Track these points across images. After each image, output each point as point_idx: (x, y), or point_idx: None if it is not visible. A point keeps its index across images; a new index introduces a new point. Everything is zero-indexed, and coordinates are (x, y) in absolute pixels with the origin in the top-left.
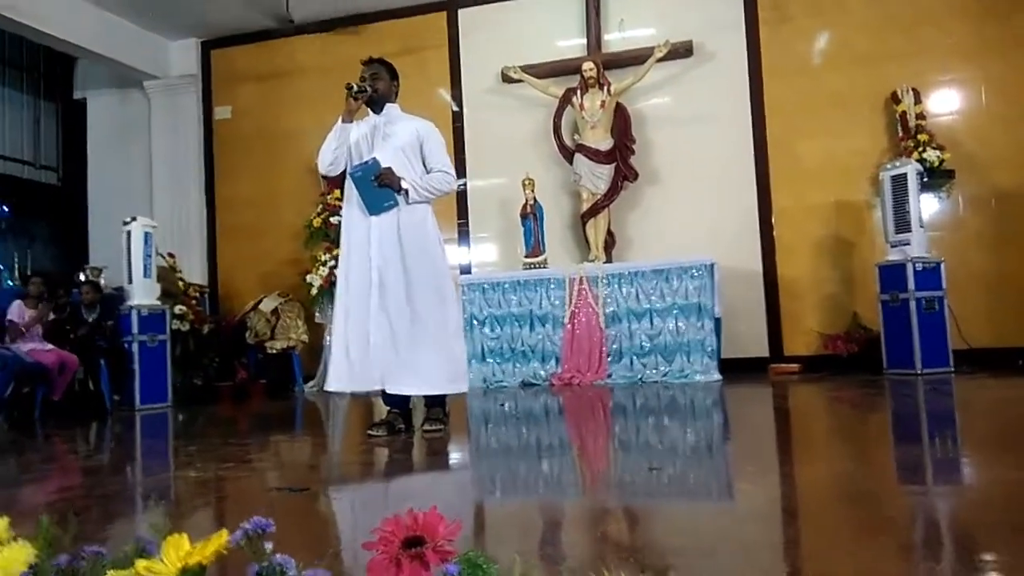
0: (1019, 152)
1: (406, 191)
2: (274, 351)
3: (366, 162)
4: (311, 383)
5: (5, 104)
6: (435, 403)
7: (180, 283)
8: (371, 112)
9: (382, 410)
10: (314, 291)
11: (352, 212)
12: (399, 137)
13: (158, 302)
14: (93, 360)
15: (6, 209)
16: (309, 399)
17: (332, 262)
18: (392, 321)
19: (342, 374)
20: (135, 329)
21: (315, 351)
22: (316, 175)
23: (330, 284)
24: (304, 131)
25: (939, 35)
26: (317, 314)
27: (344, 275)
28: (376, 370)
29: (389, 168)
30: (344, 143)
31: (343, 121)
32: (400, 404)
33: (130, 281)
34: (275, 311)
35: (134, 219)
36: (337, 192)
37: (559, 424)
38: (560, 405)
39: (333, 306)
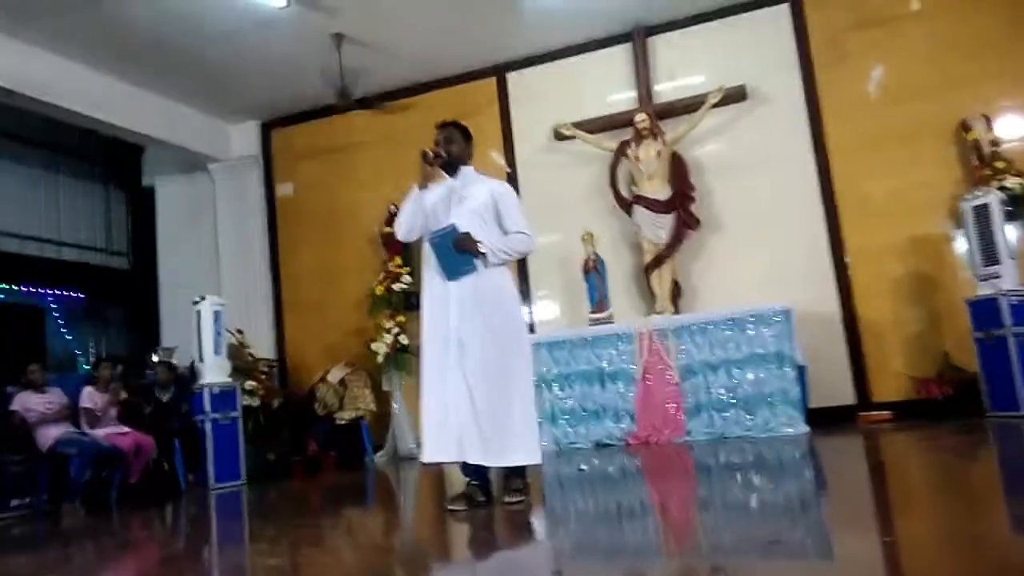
0: None
1: (484, 255)
2: (343, 422)
3: (444, 229)
4: (380, 453)
5: (77, 195)
6: (515, 472)
7: (250, 358)
8: (447, 175)
9: (455, 479)
10: (380, 359)
11: (431, 277)
12: (475, 199)
13: (229, 379)
14: (167, 440)
15: (81, 296)
16: (380, 469)
17: (396, 329)
18: (472, 388)
19: (429, 444)
20: (207, 407)
21: (383, 420)
22: (376, 245)
23: (396, 351)
24: (363, 203)
25: (1002, 59)
26: (384, 382)
27: (424, 341)
28: (455, 440)
29: (467, 233)
30: (420, 210)
31: (419, 188)
32: (479, 474)
33: (201, 359)
34: (342, 381)
35: (203, 298)
36: (399, 260)
37: (641, 487)
38: (639, 466)
39: (401, 374)
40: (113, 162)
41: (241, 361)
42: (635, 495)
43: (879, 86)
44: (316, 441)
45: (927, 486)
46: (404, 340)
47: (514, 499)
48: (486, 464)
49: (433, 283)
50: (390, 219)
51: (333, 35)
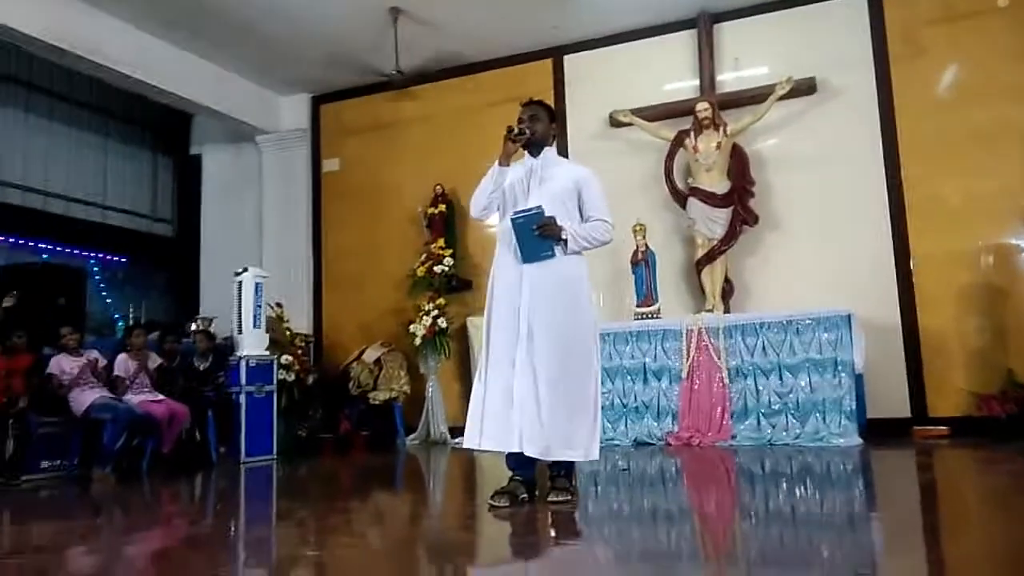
0: None
1: (565, 241)
2: (377, 402)
3: (530, 209)
4: (412, 436)
5: (125, 160)
6: (562, 471)
7: (287, 333)
8: (528, 155)
9: (488, 466)
10: (417, 341)
11: (506, 258)
12: (557, 182)
13: (267, 352)
14: (201, 410)
15: (124, 260)
16: (411, 452)
17: (436, 311)
18: (538, 378)
19: (483, 431)
20: (243, 380)
21: (417, 402)
22: (419, 225)
23: (434, 334)
24: (408, 181)
25: None
26: (420, 365)
27: (489, 323)
28: (516, 430)
29: (553, 217)
30: (500, 187)
31: (500, 165)
32: (526, 469)
33: (240, 331)
34: (378, 361)
35: (246, 269)
36: (441, 241)
37: (683, 492)
38: (680, 468)
39: (438, 357)
40: (162, 129)
41: (278, 335)
42: (676, 500)
43: (954, 85)
44: (348, 420)
45: (982, 508)
46: (443, 323)
47: (561, 498)
48: (545, 458)
49: (507, 264)
50: (435, 199)
51: (390, 8)
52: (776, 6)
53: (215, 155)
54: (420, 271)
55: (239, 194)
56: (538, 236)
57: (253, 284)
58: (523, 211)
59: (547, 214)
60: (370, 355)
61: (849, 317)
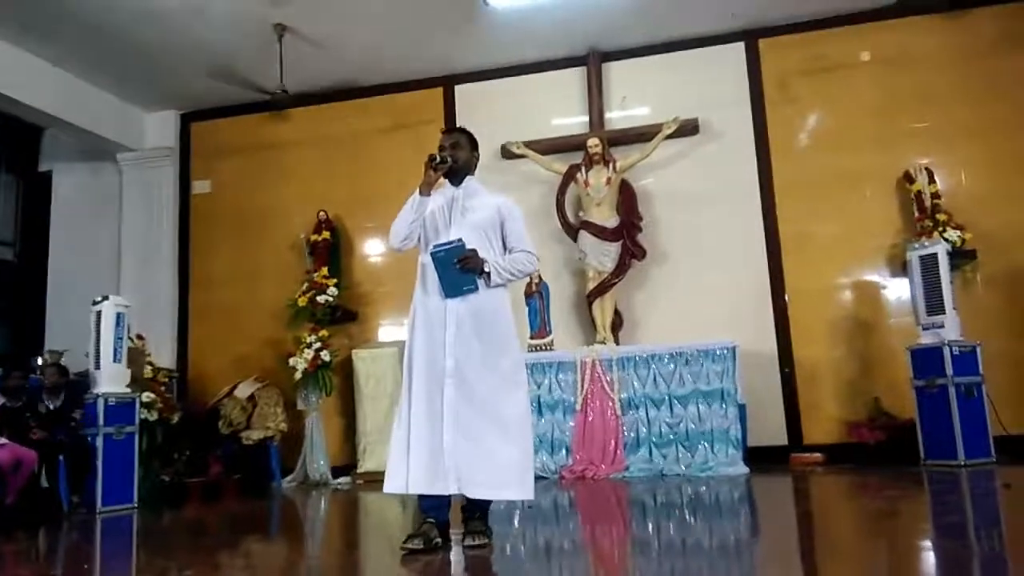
0: None
1: (488, 274)
2: (250, 442)
3: (451, 242)
4: (290, 477)
5: None
6: (477, 512)
7: (149, 367)
8: (448, 183)
9: (372, 506)
10: (298, 375)
11: (425, 293)
12: (479, 213)
13: (128, 389)
14: (51, 455)
15: None
16: (289, 496)
17: (318, 344)
18: (469, 416)
19: (410, 473)
20: (101, 420)
21: (295, 442)
22: (300, 252)
23: (316, 368)
24: (289, 207)
25: (946, 115)
26: (299, 401)
27: (411, 360)
28: (450, 472)
29: (474, 250)
30: (421, 216)
31: (421, 194)
32: (440, 512)
33: (97, 366)
34: (251, 397)
35: (106, 298)
36: (325, 270)
37: (590, 528)
38: (580, 503)
39: (319, 392)
40: (6, 141)
41: (139, 370)
42: (589, 537)
43: (817, 133)
44: (219, 462)
45: (856, 532)
46: (326, 356)
47: (478, 541)
48: (480, 497)
49: (427, 298)
50: (319, 226)
51: (275, 25)
52: (661, 49)
53: (68, 173)
54: (301, 301)
55: (95, 216)
56: (459, 270)
57: (114, 314)
58: (443, 245)
59: (469, 246)
60: (243, 391)
61: (734, 349)
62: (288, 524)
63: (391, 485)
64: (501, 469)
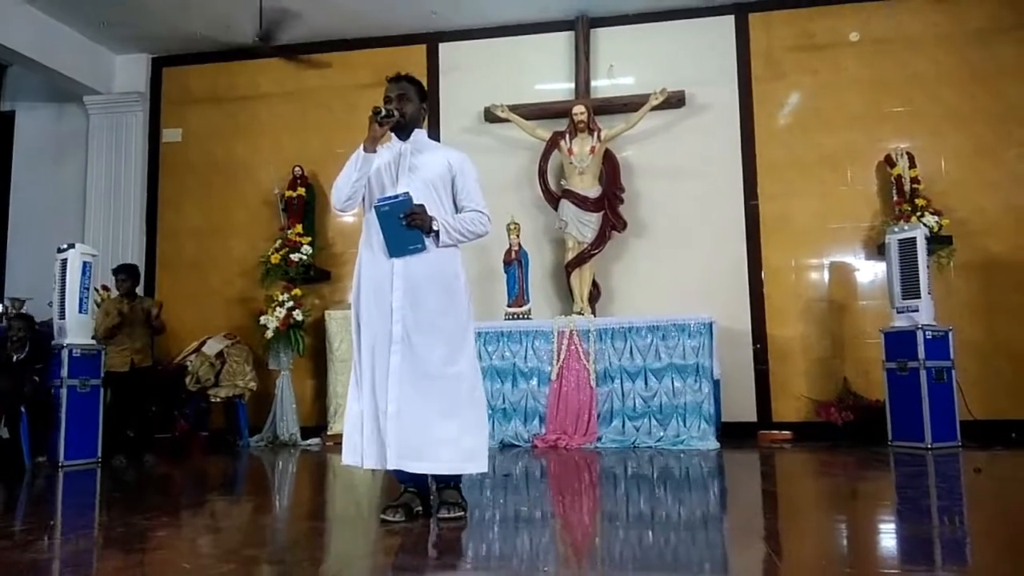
0: (1011, 219)
1: (436, 232)
2: (218, 399)
3: (396, 196)
4: (258, 437)
5: None
6: (451, 483)
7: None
8: (395, 138)
9: (341, 471)
10: (269, 334)
11: (370, 252)
12: (429, 169)
13: (93, 342)
14: (14, 407)
15: None
16: (256, 455)
17: (291, 303)
18: (415, 387)
19: (361, 448)
20: (65, 372)
21: (264, 401)
22: (274, 208)
23: (288, 327)
24: (263, 160)
25: (930, 101)
26: (270, 360)
27: (358, 325)
28: (393, 446)
29: (422, 205)
30: (365, 175)
31: (365, 150)
32: (418, 480)
33: (62, 316)
34: (220, 355)
35: (72, 246)
36: (299, 227)
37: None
38: (554, 472)
39: (291, 352)
40: None
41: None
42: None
43: (802, 111)
44: (185, 419)
45: (819, 509)
46: (299, 316)
47: (453, 514)
48: (428, 472)
49: (373, 259)
50: (294, 182)
51: None
52: (651, 18)
53: (32, 113)
54: (274, 258)
55: (60, 160)
56: (405, 226)
57: (80, 263)
58: (388, 198)
59: (416, 202)
60: (212, 347)
61: (711, 325)
62: (255, 485)
63: (347, 458)
64: (446, 443)
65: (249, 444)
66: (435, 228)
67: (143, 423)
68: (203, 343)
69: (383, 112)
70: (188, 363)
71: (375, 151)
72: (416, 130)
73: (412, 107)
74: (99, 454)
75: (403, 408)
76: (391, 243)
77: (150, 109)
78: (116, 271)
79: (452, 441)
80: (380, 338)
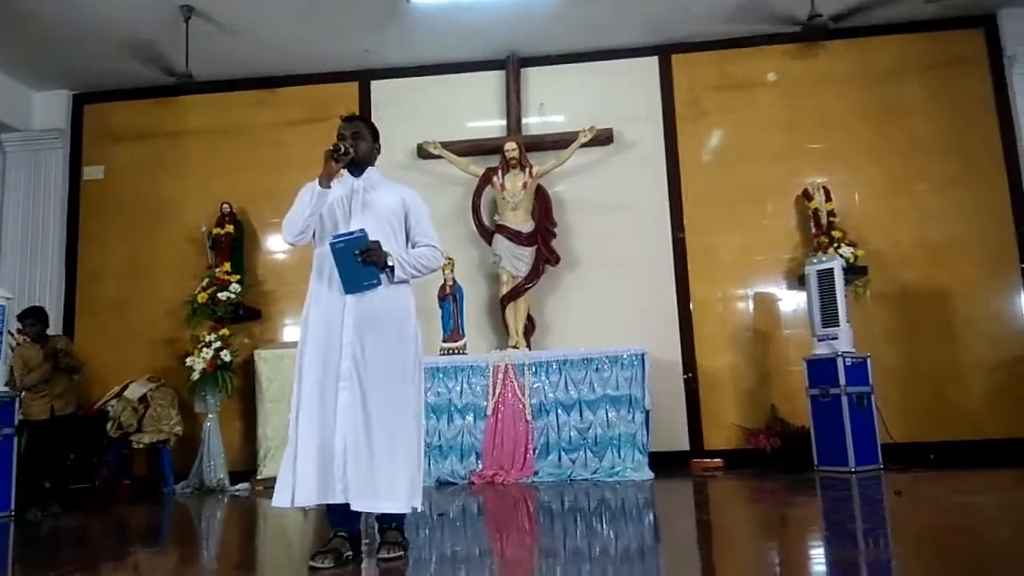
0: (923, 250)
1: (391, 268)
2: (141, 445)
3: (351, 233)
4: (184, 484)
5: None
6: (392, 523)
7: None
8: (348, 174)
9: (272, 515)
10: (195, 376)
11: (321, 287)
12: (383, 205)
13: (6, 388)
14: None
15: None
16: (182, 503)
17: (218, 343)
18: (367, 422)
19: (296, 485)
20: None
21: (190, 445)
22: (201, 246)
23: (215, 368)
24: (189, 197)
25: (844, 137)
26: (196, 403)
27: (303, 361)
28: (341, 482)
29: (377, 242)
30: (319, 209)
31: (320, 186)
32: (351, 524)
33: None
34: (144, 398)
35: None
36: (227, 265)
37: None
38: (492, 510)
39: (218, 394)
40: None
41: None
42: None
43: (724, 148)
44: (106, 467)
45: (753, 535)
46: (227, 356)
47: (393, 554)
48: (377, 511)
49: (324, 295)
50: (222, 219)
51: (182, 6)
52: (579, 58)
53: None
54: (201, 297)
55: None
56: (361, 263)
57: None
58: (343, 235)
59: (376, 239)
60: (134, 391)
61: (643, 356)
62: (180, 534)
63: (277, 500)
64: (400, 481)
65: (175, 491)
66: (390, 264)
67: (59, 472)
68: (125, 387)
69: (341, 149)
70: (109, 408)
71: (329, 187)
72: (369, 168)
73: (365, 145)
74: (12, 507)
75: (353, 445)
76: (346, 279)
77: (71, 146)
78: (22, 316)
79: (403, 479)
80: (329, 374)
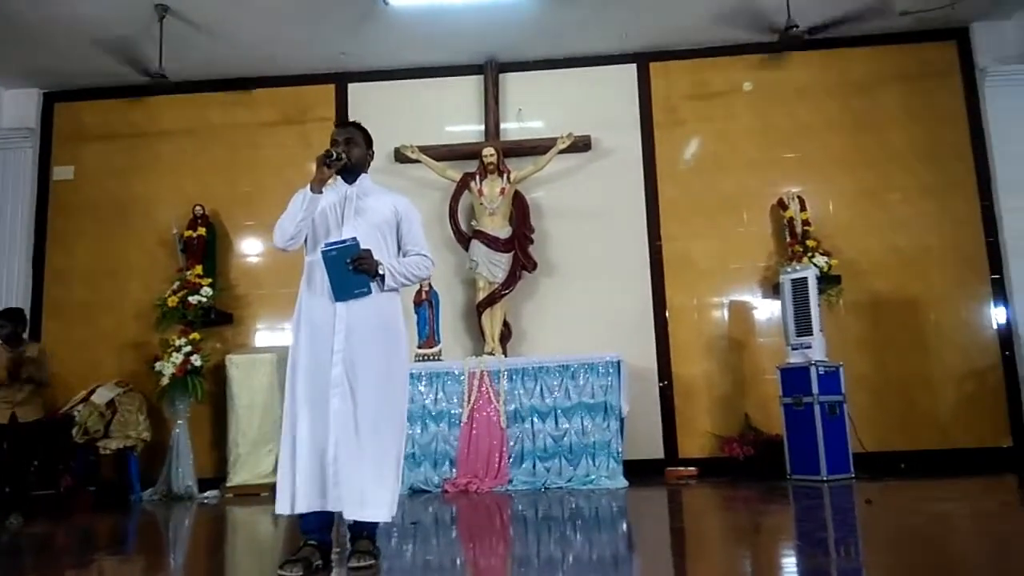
0: (895, 259)
1: (382, 276)
2: (108, 452)
3: (344, 241)
4: (151, 491)
5: None
6: (364, 532)
7: None
8: (341, 180)
9: (241, 523)
10: (164, 381)
11: (311, 294)
12: (376, 213)
13: None
14: None
15: None
16: (149, 510)
17: (188, 348)
18: (357, 430)
19: (296, 493)
20: None
21: (158, 451)
22: (172, 248)
23: (185, 373)
24: (161, 199)
25: (818, 148)
26: (164, 408)
27: (296, 369)
28: (334, 489)
29: (368, 250)
30: (311, 214)
31: (312, 191)
32: (323, 533)
33: None
34: (111, 404)
35: None
36: (199, 269)
37: (477, 545)
38: (467, 518)
39: (188, 399)
40: None
41: None
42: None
43: (700, 156)
44: (71, 474)
45: (726, 542)
46: (197, 361)
47: (364, 563)
48: (363, 519)
49: (316, 303)
50: (194, 222)
51: (157, 5)
52: (558, 65)
53: None
54: (172, 301)
55: None
56: (352, 271)
57: None
58: (335, 243)
59: (363, 246)
60: (102, 396)
61: (619, 364)
62: (146, 542)
63: (279, 507)
64: (376, 488)
65: (141, 498)
66: (381, 272)
67: (21, 479)
68: (92, 391)
69: (334, 155)
70: (76, 413)
71: (321, 192)
72: (362, 174)
73: (359, 151)
74: None
75: (344, 453)
76: (337, 287)
77: (40, 146)
78: None
79: (387, 487)
80: (320, 381)
